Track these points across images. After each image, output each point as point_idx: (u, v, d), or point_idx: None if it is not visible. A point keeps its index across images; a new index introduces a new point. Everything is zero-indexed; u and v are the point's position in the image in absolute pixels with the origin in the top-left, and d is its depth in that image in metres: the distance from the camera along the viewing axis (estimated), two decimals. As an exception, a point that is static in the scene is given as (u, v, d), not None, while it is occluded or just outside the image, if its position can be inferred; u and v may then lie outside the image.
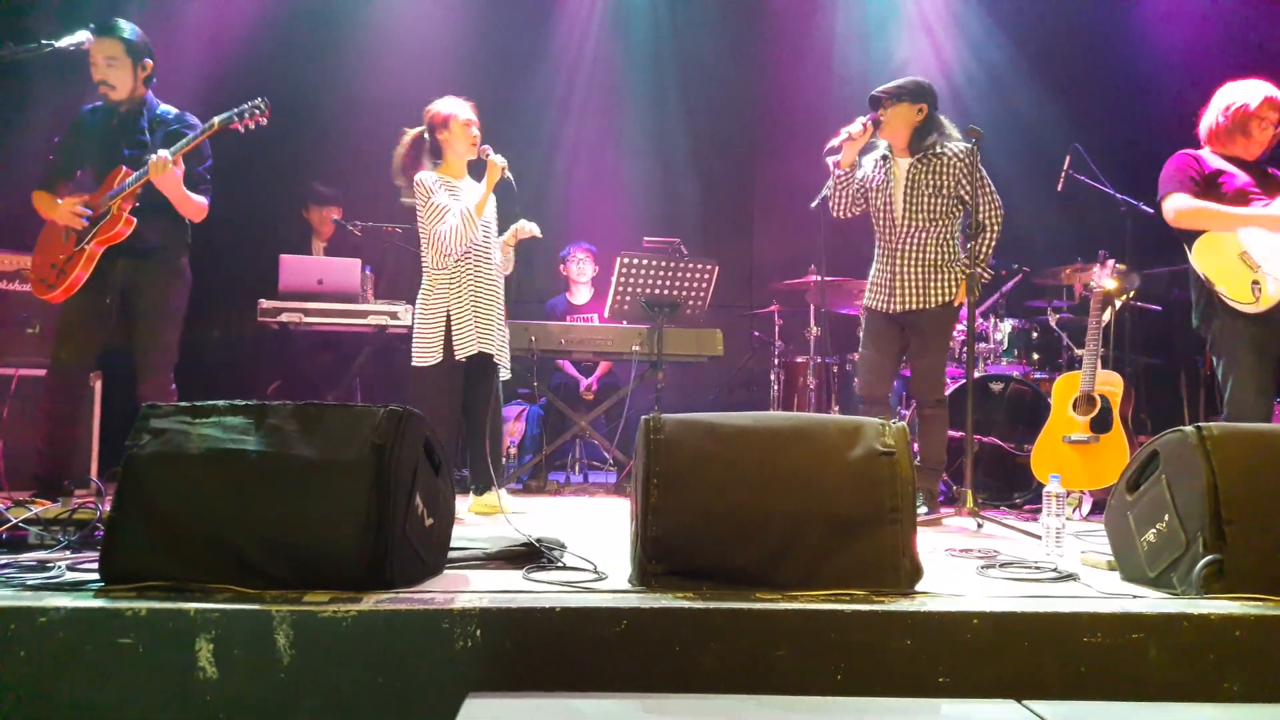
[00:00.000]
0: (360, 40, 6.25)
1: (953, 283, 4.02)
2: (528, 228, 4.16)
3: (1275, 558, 2.17)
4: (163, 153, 3.61)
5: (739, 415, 2.33)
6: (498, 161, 3.93)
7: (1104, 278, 4.37)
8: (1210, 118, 3.84)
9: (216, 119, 3.70)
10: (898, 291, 4.03)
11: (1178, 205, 3.73)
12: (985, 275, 4.07)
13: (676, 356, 5.24)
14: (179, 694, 1.86)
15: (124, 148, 3.74)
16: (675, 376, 5.65)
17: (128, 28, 3.77)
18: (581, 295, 6.04)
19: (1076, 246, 5.17)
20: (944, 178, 3.97)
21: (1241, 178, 3.73)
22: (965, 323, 4.00)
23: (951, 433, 4.85)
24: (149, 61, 3.81)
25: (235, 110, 3.69)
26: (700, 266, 5.12)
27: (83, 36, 3.57)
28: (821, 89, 6.64)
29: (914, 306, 4.01)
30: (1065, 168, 5.00)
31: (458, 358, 3.93)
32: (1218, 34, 6.01)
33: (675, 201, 6.79)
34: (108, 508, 2.17)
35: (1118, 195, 4.95)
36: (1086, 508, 4.32)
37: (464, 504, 3.80)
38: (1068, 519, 3.06)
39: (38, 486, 3.67)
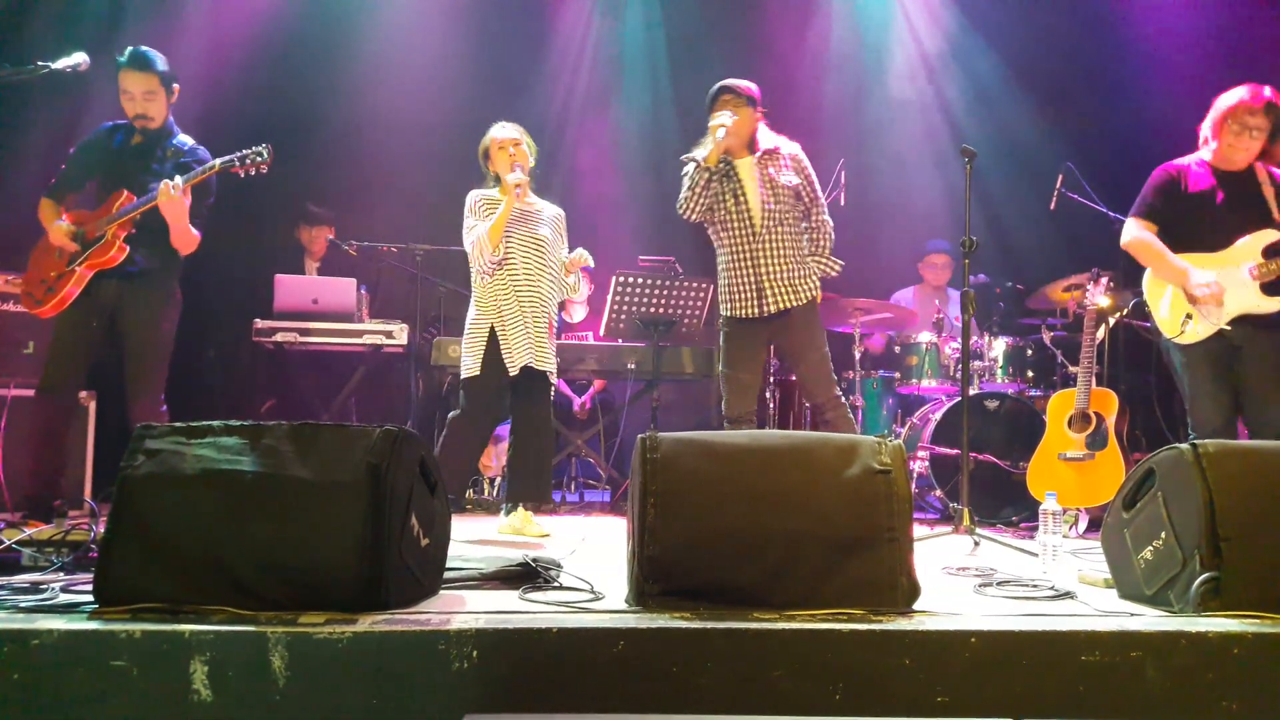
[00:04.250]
0: (356, 61, 6.27)
1: (814, 277, 4.06)
2: (584, 256, 4.13)
3: (1273, 575, 2.17)
4: (176, 180, 3.61)
5: (735, 434, 2.33)
6: (510, 180, 3.91)
7: (1098, 295, 4.39)
8: (1208, 119, 3.76)
9: (218, 161, 3.70)
10: (768, 292, 3.96)
11: (1131, 232, 3.80)
12: (833, 271, 4.12)
13: (672, 375, 5.24)
14: (173, 716, 1.84)
15: (134, 172, 3.75)
16: (670, 394, 5.65)
17: (158, 58, 3.77)
18: (577, 314, 6.05)
19: (1070, 265, 5.19)
20: (788, 173, 4.02)
21: (1217, 203, 3.68)
22: (960, 340, 4.01)
23: (947, 450, 4.86)
24: (176, 87, 3.84)
25: (237, 155, 3.70)
26: (695, 285, 5.12)
27: (79, 58, 3.58)
28: (815, 110, 6.68)
29: (786, 305, 3.98)
30: (1058, 186, 5.03)
31: (511, 373, 3.90)
32: (1212, 49, 6.04)
33: (670, 220, 6.77)
34: (102, 529, 2.16)
35: (1110, 214, 4.98)
36: (1083, 525, 4.32)
37: (461, 526, 3.78)
38: (1064, 536, 3.06)
39: (28, 507, 3.66)
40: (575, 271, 4.15)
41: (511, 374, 3.90)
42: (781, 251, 3.98)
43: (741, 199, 3.99)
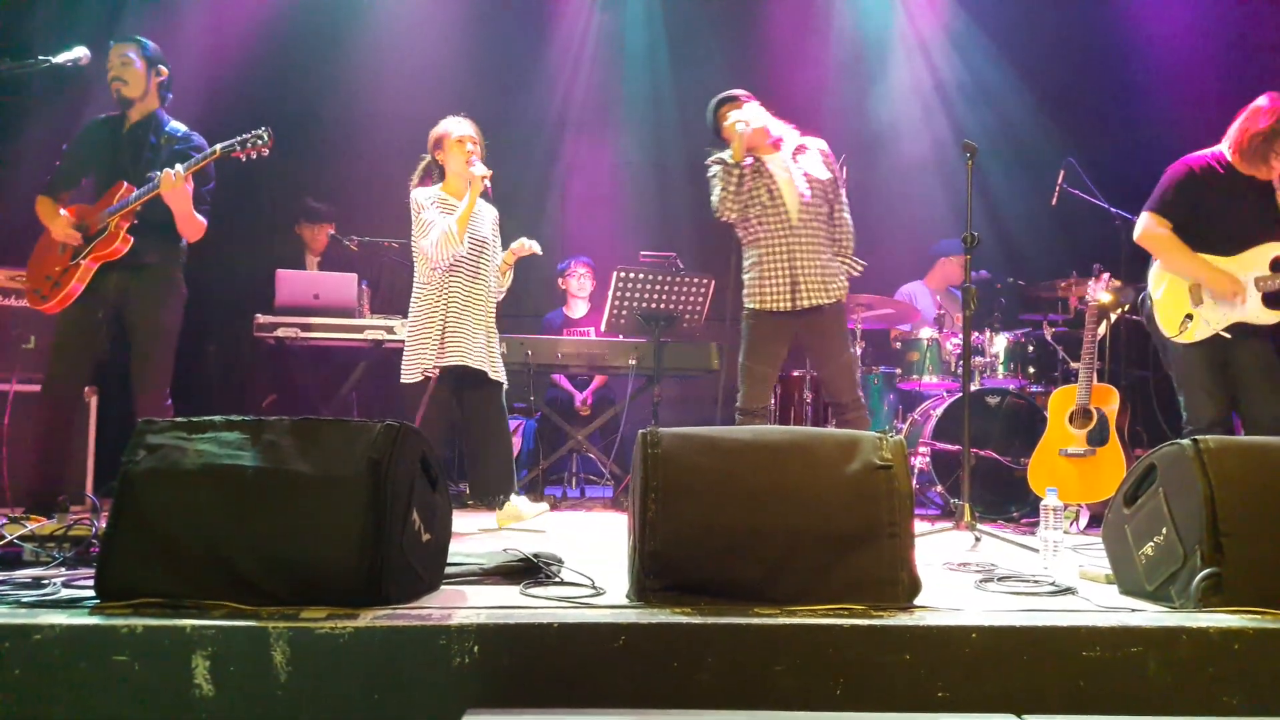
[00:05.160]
0: (357, 58, 6.27)
1: (842, 276, 4.08)
2: (528, 245, 4.15)
3: (1273, 571, 2.17)
4: (177, 168, 3.62)
5: (736, 429, 2.33)
6: (476, 173, 3.93)
7: (1099, 291, 4.38)
8: (1236, 126, 3.68)
9: (219, 146, 3.69)
10: (801, 287, 3.95)
11: (1147, 227, 3.76)
12: (855, 270, 4.14)
13: (673, 370, 5.25)
14: (175, 711, 1.84)
15: (129, 162, 3.75)
16: (672, 390, 5.65)
17: (143, 39, 3.84)
18: (579, 309, 6.05)
19: (1071, 260, 5.19)
20: (821, 167, 4.04)
21: (1241, 208, 3.65)
22: (961, 336, 4.01)
23: (948, 446, 4.86)
24: (164, 69, 3.85)
25: (238, 139, 3.69)
26: (697, 280, 5.12)
27: (80, 53, 3.58)
28: (816, 104, 6.66)
29: (818, 301, 3.97)
30: (1059, 182, 5.02)
31: (442, 367, 3.92)
32: (1212, 46, 6.03)
33: (672, 215, 6.80)
34: (104, 524, 2.16)
35: (1111, 209, 4.98)
36: (1084, 521, 4.32)
37: (465, 520, 3.79)
38: (1065, 532, 3.06)
39: (32, 501, 3.66)
40: (511, 269, 4.19)
41: (437, 369, 3.91)
42: (816, 246, 4.00)
43: (776, 194, 3.99)
